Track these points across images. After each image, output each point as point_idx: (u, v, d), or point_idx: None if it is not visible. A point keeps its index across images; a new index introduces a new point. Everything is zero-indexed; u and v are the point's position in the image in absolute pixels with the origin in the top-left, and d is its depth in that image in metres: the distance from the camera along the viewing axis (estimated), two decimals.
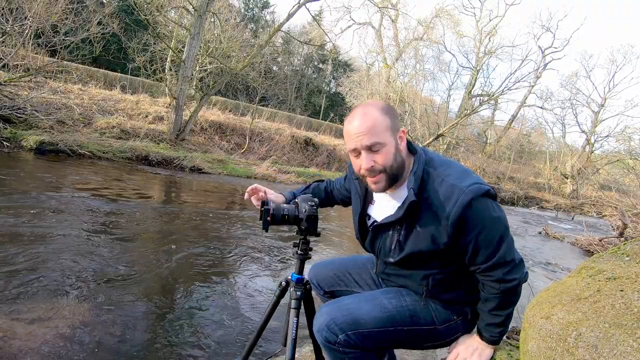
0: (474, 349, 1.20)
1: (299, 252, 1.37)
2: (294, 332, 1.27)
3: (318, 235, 1.37)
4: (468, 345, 1.22)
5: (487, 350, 1.20)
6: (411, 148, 1.21)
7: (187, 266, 3.25)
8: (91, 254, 3.12)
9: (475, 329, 1.24)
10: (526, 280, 1.16)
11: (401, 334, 1.20)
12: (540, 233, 9.33)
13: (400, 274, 1.28)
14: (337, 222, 6.55)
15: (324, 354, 1.25)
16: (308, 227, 1.34)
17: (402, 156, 1.14)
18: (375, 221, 1.29)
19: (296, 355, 1.36)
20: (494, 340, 1.19)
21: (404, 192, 1.17)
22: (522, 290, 1.20)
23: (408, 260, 1.20)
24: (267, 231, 1.31)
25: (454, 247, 1.13)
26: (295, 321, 1.29)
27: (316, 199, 1.36)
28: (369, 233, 1.30)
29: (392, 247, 1.22)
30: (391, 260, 1.24)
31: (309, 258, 1.40)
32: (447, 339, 1.26)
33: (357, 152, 1.13)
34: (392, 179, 1.14)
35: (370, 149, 1.09)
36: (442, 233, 1.11)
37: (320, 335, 1.18)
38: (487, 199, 1.11)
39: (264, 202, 1.32)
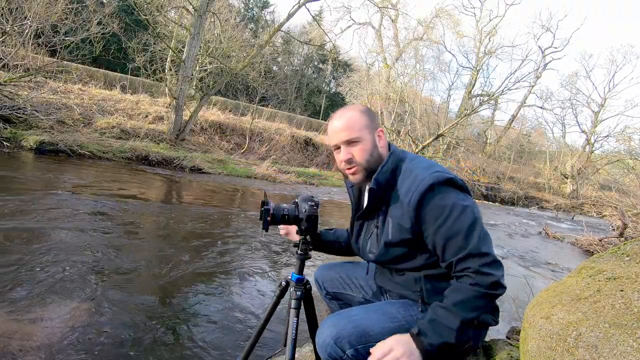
0: (407, 349, 1.02)
1: (299, 252, 1.37)
2: (294, 332, 1.26)
3: (318, 235, 1.37)
4: (401, 342, 1.04)
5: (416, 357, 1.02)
6: (391, 147, 1.28)
7: (187, 266, 3.25)
8: (91, 254, 3.12)
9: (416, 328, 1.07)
10: (502, 291, 1.03)
11: None
12: (540, 233, 9.33)
13: (393, 280, 1.28)
14: (340, 220, 6.56)
15: None
16: (308, 227, 1.34)
17: (380, 152, 1.23)
18: None
19: (296, 355, 1.36)
20: (430, 347, 1.01)
21: None
22: (522, 291, 1.16)
23: (386, 256, 1.21)
24: (267, 231, 1.30)
25: (422, 237, 1.13)
26: (295, 321, 1.29)
27: (317, 199, 1.36)
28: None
29: (371, 241, 1.27)
30: (371, 257, 1.28)
31: (309, 258, 1.40)
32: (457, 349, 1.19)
33: (337, 148, 1.24)
34: (369, 171, 1.21)
35: (348, 143, 1.20)
36: (405, 219, 1.13)
37: (324, 351, 1.09)
38: (449, 187, 1.10)
39: (264, 202, 1.32)
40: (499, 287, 1.03)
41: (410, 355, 1.01)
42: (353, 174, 1.23)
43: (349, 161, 1.21)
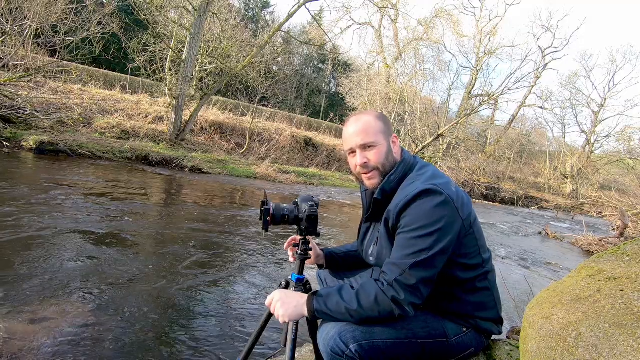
0: (294, 302, 1.15)
1: (299, 252, 1.37)
2: (293, 332, 1.26)
3: (318, 235, 1.37)
4: (290, 295, 1.17)
5: (296, 311, 1.14)
6: (403, 154, 1.29)
7: (187, 266, 3.25)
8: (91, 254, 3.12)
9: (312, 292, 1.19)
10: (397, 311, 1.06)
11: (415, 347, 1.14)
12: (540, 233, 9.33)
13: None
14: (340, 220, 6.55)
15: None
16: (308, 227, 1.34)
17: (395, 157, 1.25)
18: None
19: (296, 356, 1.36)
20: (314, 310, 1.12)
21: None
22: (522, 291, 1.17)
23: (382, 261, 1.22)
24: (267, 231, 1.30)
25: None
26: (295, 321, 1.28)
27: (317, 199, 1.37)
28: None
29: (372, 245, 1.30)
30: (372, 260, 1.30)
31: (309, 258, 1.40)
32: (459, 355, 1.20)
33: (353, 152, 1.26)
34: (385, 175, 1.24)
35: (364, 147, 1.22)
36: (394, 224, 1.16)
37: (326, 345, 1.09)
38: (435, 200, 1.09)
39: (264, 202, 1.32)
40: (398, 306, 1.05)
41: (296, 307, 1.14)
42: (369, 178, 1.24)
43: (365, 165, 1.23)
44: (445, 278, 1.16)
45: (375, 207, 1.26)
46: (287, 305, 1.15)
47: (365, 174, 1.24)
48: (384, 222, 1.20)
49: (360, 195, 1.44)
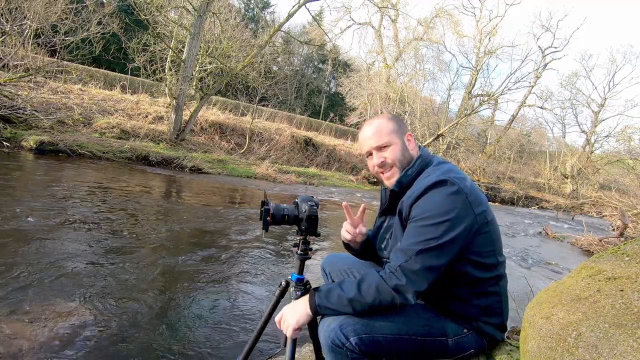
0: (299, 306, 1.16)
1: (299, 252, 1.37)
2: None
3: (318, 235, 1.37)
4: (295, 303, 1.19)
5: (302, 312, 1.14)
6: (421, 151, 1.31)
7: (187, 267, 3.25)
8: (91, 255, 3.12)
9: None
10: (399, 299, 1.06)
11: (414, 344, 1.14)
12: (540, 233, 9.32)
13: None
14: (340, 220, 6.55)
15: (328, 358, 1.18)
16: (308, 228, 1.34)
17: (411, 154, 1.27)
18: None
19: (296, 356, 1.36)
20: (316, 305, 1.12)
21: None
22: (522, 291, 1.17)
23: None
24: (267, 231, 1.30)
25: None
26: None
27: (316, 199, 1.37)
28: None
29: (385, 237, 1.32)
30: (385, 254, 1.31)
31: (309, 258, 1.40)
32: (457, 354, 1.20)
33: (370, 154, 1.30)
34: (403, 170, 1.26)
35: (379, 148, 1.27)
36: (405, 212, 1.17)
37: (327, 337, 1.10)
38: (448, 190, 1.10)
39: (264, 202, 1.32)
40: (399, 294, 1.05)
41: (294, 312, 1.15)
42: (388, 178, 1.28)
43: (382, 164, 1.26)
44: (456, 275, 1.16)
45: (392, 199, 1.29)
46: (293, 313, 1.16)
47: (383, 172, 1.28)
48: (398, 213, 1.21)
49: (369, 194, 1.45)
